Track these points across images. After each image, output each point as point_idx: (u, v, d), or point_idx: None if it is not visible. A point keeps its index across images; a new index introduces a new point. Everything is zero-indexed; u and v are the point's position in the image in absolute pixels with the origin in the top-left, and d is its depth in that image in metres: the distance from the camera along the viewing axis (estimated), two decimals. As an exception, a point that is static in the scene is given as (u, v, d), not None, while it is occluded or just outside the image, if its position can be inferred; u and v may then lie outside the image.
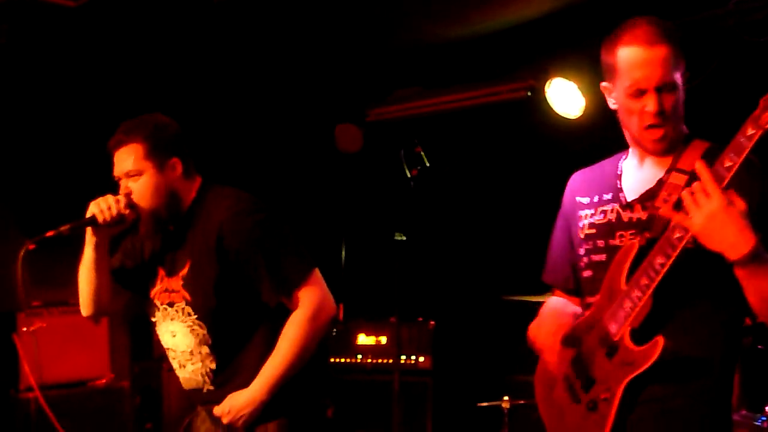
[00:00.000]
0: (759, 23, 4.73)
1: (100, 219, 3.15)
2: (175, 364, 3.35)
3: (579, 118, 5.53)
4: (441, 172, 5.38)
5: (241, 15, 5.07)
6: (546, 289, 5.17)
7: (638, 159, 2.67)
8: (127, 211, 3.18)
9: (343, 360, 6.13)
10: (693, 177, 2.40)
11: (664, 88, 2.49)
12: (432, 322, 6.07)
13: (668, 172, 2.55)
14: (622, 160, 2.74)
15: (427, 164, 4.99)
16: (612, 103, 2.66)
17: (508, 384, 5.64)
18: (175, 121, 3.35)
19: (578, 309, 2.80)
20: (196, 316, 3.22)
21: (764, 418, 4.34)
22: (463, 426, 6.02)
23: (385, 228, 5.22)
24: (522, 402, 5.24)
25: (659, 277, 2.38)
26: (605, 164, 2.81)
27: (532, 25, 5.31)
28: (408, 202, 4.88)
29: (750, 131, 2.24)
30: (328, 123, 6.60)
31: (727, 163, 2.27)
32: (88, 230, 3.22)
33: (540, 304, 5.29)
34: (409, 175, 4.97)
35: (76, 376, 5.37)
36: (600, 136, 5.72)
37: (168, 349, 3.35)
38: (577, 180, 2.88)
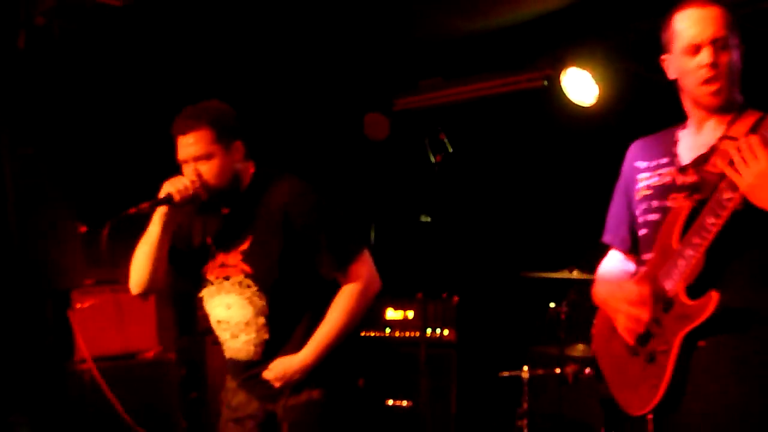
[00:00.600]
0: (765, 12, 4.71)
1: (177, 198, 3.16)
2: (226, 335, 3.37)
3: (593, 105, 5.53)
4: (463, 158, 5.39)
5: (273, 10, 5.10)
6: (562, 266, 5.24)
7: (695, 127, 2.71)
8: (201, 191, 3.21)
9: (372, 334, 6.16)
10: None
11: (717, 42, 2.54)
12: (456, 298, 6.09)
13: (721, 139, 2.58)
14: (679, 129, 2.79)
15: (451, 150, 5.00)
16: (671, 74, 2.71)
17: (527, 355, 5.66)
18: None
19: (632, 267, 2.88)
20: (256, 288, 3.26)
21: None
22: (485, 395, 6.05)
23: (411, 210, 5.24)
24: (541, 372, 5.25)
25: (711, 237, 2.42)
26: (664, 133, 2.86)
27: (548, 18, 5.31)
28: (432, 186, 4.89)
29: None
30: (356, 112, 6.62)
31: None
32: (160, 209, 3.21)
33: (556, 280, 5.35)
34: (433, 161, 4.98)
35: (125, 349, 5.40)
36: (612, 123, 5.78)
37: (220, 321, 3.37)
38: (636, 147, 2.93)
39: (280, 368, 3.24)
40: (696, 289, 2.46)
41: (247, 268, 3.27)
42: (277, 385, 3.25)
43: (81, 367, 5.15)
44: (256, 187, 3.33)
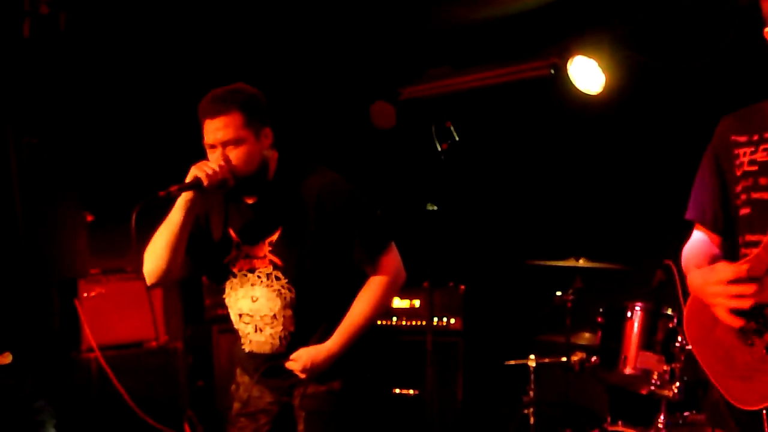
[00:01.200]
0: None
1: (206, 182, 3.03)
2: (249, 329, 3.27)
3: (599, 94, 5.50)
4: (470, 147, 5.37)
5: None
6: (566, 255, 5.22)
7: None
8: (230, 177, 3.08)
9: (379, 322, 6.13)
10: None
11: None
12: (462, 286, 6.08)
13: None
14: None
15: (457, 139, 4.98)
16: None
17: (533, 344, 5.66)
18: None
19: (716, 250, 2.66)
20: (286, 280, 3.18)
21: None
22: (491, 383, 6.05)
23: (417, 199, 5.23)
24: (547, 360, 5.25)
25: None
26: (757, 107, 2.64)
27: (554, 7, 5.30)
28: (439, 175, 4.87)
29: None
30: (363, 101, 6.61)
31: None
32: (184, 194, 3.09)
33: (561, 268, 5.33)
34: (439, 149, 4.96)
35: (132, 338, 5.42)
36: (618, 111, 5.76)
37: (243, 314, 3.27)
38: (730, 120, 2.69)
39: (306, 358, 3.17)
40: None
41: (276, 260, 3.19)
42: (303, 375, 3.20)
43: (88, 356, 5.18)
44: (285, 176, 3.23)
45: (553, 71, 5.66)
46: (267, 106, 3.22)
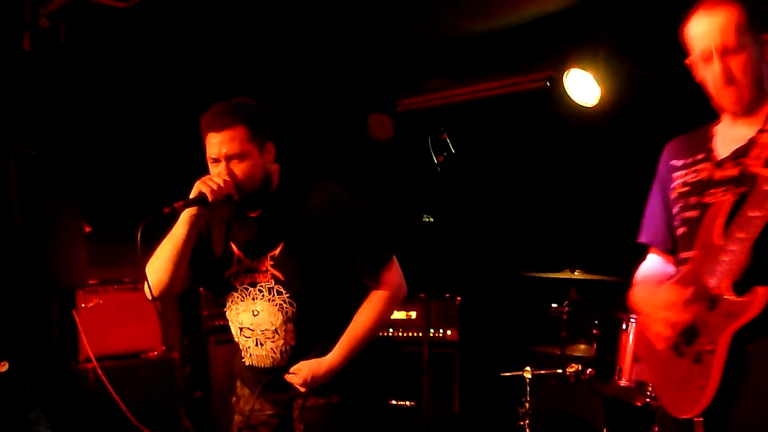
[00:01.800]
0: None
1: (210, 197, 3.00)
2: (250, 343, 3.26)
3: (595, 106, 5.53)
4: (466, 158, 5.39)
5: (277, 12, 5.11)
6: (561, 267, 5.24)
7: (731, 121, 2.63)
8: (234, 192, 3.05)
9: (376, 333, 6.17)
10: None
11: (728, 51, 2.46)
12: (458, 298, 6.09)
13: (760, 132, 2.50)
14: (715, 124, 2.71)
15: (453, 151, 5.00)
16: (696, 77, 2.62)
17: (529, 355, 5.67)
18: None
19: (671, 269, 2.75)
20: (287, 295, 3.16)
21: None
22: (487, 394, 6.05)
23: (414, 211, 5.24)
24: (543, 372, 5.26)
25: (758, 230, 2.32)
26: (699, 130, 2.76)
27: (550, 19, 5.31)
28: (435, 187, 4.89)
29: None
30: (360, 113, 6.63)
31: None
32: (188, 210, 3.05)
33: (556, 280, 5.35)
34: (436, 161, 4.98)
35: (130, 348, 5.43)
36: (614, 123, 5.79)
37: (244, 328, 3.26)
38: (672, 146, 2.85)
39: (306, 371, 3.16)
40: (742, 285, 2.35)
41: (278, 274, 3.16)
42: (303, 389, 3.18)
43: (86, 366, 5.18)
44: (287, 189, 3.22)
45: (549, 83, 5.69)
46: (269, 119, 3.20)
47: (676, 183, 2.72)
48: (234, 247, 3.25)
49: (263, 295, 3.19)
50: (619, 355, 4.60)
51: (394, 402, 6.07)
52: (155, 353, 5.55)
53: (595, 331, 4.80)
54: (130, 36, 5.27)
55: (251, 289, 3.21)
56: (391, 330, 6.18)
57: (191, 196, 3.04)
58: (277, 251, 3.17)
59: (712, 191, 2.56)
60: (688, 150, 2.74)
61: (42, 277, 5.47)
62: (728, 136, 2.62)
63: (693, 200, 2.62)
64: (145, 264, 3.09)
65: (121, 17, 4.78)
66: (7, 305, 5.29)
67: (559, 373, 5.07)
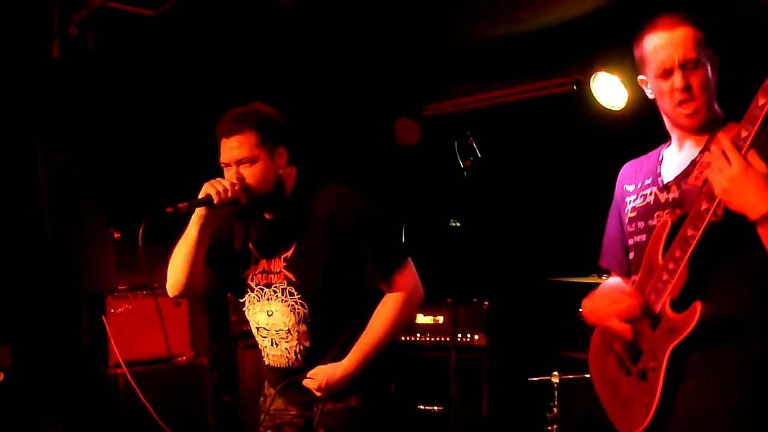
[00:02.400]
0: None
1: (216, 200, 3.07)
2: (266, 342, 3.32)
3: (622, 109, 5.49)
4: (492, 163, 5.38)
5: (304, 18, 5.12)
6: (589, 271, 5.21)
7: (677, 144, 2.66)
8: (241, 195, 3.12)
9: (403, 338, 6.16)
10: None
11: (687, 64, 2.49)
12: (486, 303, 6.07)
13: (701, 152, 2.55)
14: (664, 148, 2.75)
15: (480, 155, 4.99)
16: (649, 94, 2.66)
17: (557, 360, 5.64)
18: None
19: (629, 289, 2.74)
20: (299, 296, 3.20)
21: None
22: (515, 399, 6.02)
23: (441, 215, 5.24)
24: (570, 377, 5.23)
25: (691, 249, 2.36)
26: (650, 154, 2.81)
27: (576, 23, 5.29)
28: (462, 191, 4.88)
29: (761, 101, 2.23)
30: (387, 118, 6.63)
31: (743, 134, 2.27)
32: (198, 210, 3.14)
33: (584, 284, 5.32)
34: (462, 166, 4.97)
35: (159, 354, 5.46)
36: (642, 127, 5.73)
37: (260, 327, 3.32)
38: (625, 170, 2.89)
39: (322, 377, 3.17)
40: (681, 302, 2.40)
41: (290, 276, 3.20)
42: (319, 394, 3.19)
43: (115, 371, 5.21)
44: (301, 192, 3.25)
45: (575, 87, 5.66)
46: (283, 125, 3.25)
47: (628, 208, 2.77)
48: (252, 248, 3.31)
49: (277, 296, 3.24)
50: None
51: (421, 407, 6.06)
52: (184, 358, 5.57)
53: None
54: (156, 43, 5.30)
55: (266, 289, 3.26)
56: (418, 335, 6.17)
57: (200, 197, 3.12)
58: (289, 253, 3.21)
59: (658, 214, 2.61)
60: (638, 174, 2.79)
61: (71, 282, 5.51)
62: (674, 160, 2.66)
63: (641, 224, 2.67)
64: (150, 263, 3.13)
65: (147, 24, 4.82)
66: (37, 311, 5.34)
67: (587, 377, 5.03)
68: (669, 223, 2.50)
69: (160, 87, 5.83)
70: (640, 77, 2.67)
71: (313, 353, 3.24)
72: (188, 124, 5.83)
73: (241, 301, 3.38)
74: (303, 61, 5.97)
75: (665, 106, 2.58)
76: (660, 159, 2.72)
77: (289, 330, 3.23)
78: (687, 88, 2.49)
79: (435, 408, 6.03)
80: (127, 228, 5.44)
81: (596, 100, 5.53)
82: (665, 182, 2.63)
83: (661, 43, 2.53)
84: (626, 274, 2.82)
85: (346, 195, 3.24)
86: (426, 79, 6.48)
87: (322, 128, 6.67)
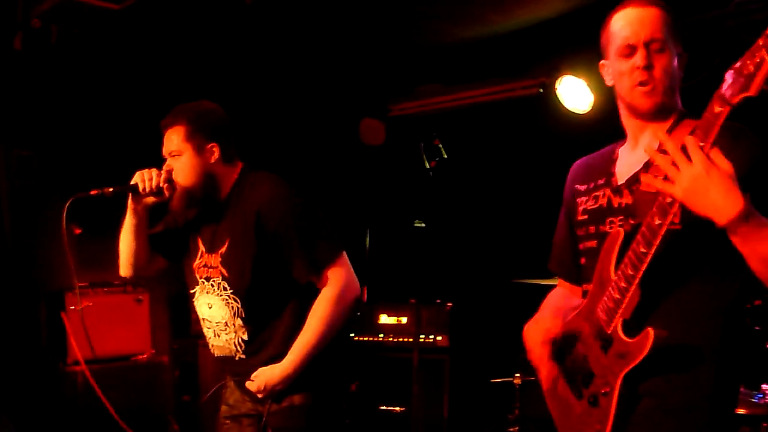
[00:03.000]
0: (758, 23, 4.71)
1: (140, 187, 3.24)
2: (210, 333, 3.38)
3: (588, 113, 5.52)
4: (458, 164, 5.38)
5: (270, 16, 5.10)
6: (552, 274, 5.22)
7: (632, 141, 2.48)
8: (165, 185, 3.24)
9: (366, 338, 6.14)
10: None
11: (653, 44, 2.33)
12: (449, 304, 6.07)
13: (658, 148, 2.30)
14: (619, 145, 2.56)
15: (445, 156, 4.99)
16: (608, 80, 2.49)
17: (519, 361, 5.64)
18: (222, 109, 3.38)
19: (577, 301, 2.59)
20: (231, 291, 3.25)
21: (761, 395, 4.31)
22: (477, 400, 6.03)
23: (405, 216, 5.24)
24: (532, 378, 5.23)
25: (644, 267, 2.17)
26: (603, 151, 2.63)
27: (543, 26, 5.31)
28: (427, 192, 4.88)
29: (717, 109, 2.03)
30: (352, 118, 6.62)
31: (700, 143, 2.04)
32: (130, 197, 3.31)
33: (547, 287, 5.33)
34: (428, 167, 4.98)
35: (119, 351, 5.41)
36: (607, 130, 5.75)
37: (204, 319, 3.38)
38: (576, 168, 2.73)
39: (261, 379, 3.21)
40: (633, 324, 2.23)
41: (224, 271, 3.26)
42: (260, 395, 3.24)
43: (74, 369, 5.15)
44: (237, 188, 3.31)
45: (541, 90, 5.68)
46: (224, 123, 3.33)
47: (579, 209, 2.58)
48: (199, 242, 3.39)
49: (214, 290, 3.31)
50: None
51: (383, 407, 6.05)
52: (144, 356, 5.53)
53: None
54: (121, 37, 5.26)
55: (206, 283, 3.34)
56: (381, 335, 6.16)
57: (129, 183, 3.28)
58: (223, 249, 3.27)
59: (610, 219, 2.43)
60: (591, 173, 2.60)
61: (31, 279, 5.44)
62: (628, 159, 2.48)
63: (592, 229, 2.49)
64: (69, 243, 3.36)
65: (113, 18, 4.77)
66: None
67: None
68: (621, 234, 2.31)
69: (124, 82, 5.78)
70: (601, 62, 2.51)
71: (253, 346, 3.28)
72: (151, 120, 5.78)
73: (191, 292, 3.43)
74: (269, 58, 5.94)
75: (623, 86, 2.39)
76: (615, 157, 2.53)
77: (226, 323, 3.30)
78: (648, 66, 2.32)
79: (397, 408, 6.02)
80: (88, 224, 5.37)
81: (562, 104, 5.55)
82: (618, 184, 2.45)
83: (628, 19, 2.37)
84: (575, 282, 2.67)
85: (276, 192, 3.26)
86: (393, 79, 6.48)
87: (286, 127, 6.64)
